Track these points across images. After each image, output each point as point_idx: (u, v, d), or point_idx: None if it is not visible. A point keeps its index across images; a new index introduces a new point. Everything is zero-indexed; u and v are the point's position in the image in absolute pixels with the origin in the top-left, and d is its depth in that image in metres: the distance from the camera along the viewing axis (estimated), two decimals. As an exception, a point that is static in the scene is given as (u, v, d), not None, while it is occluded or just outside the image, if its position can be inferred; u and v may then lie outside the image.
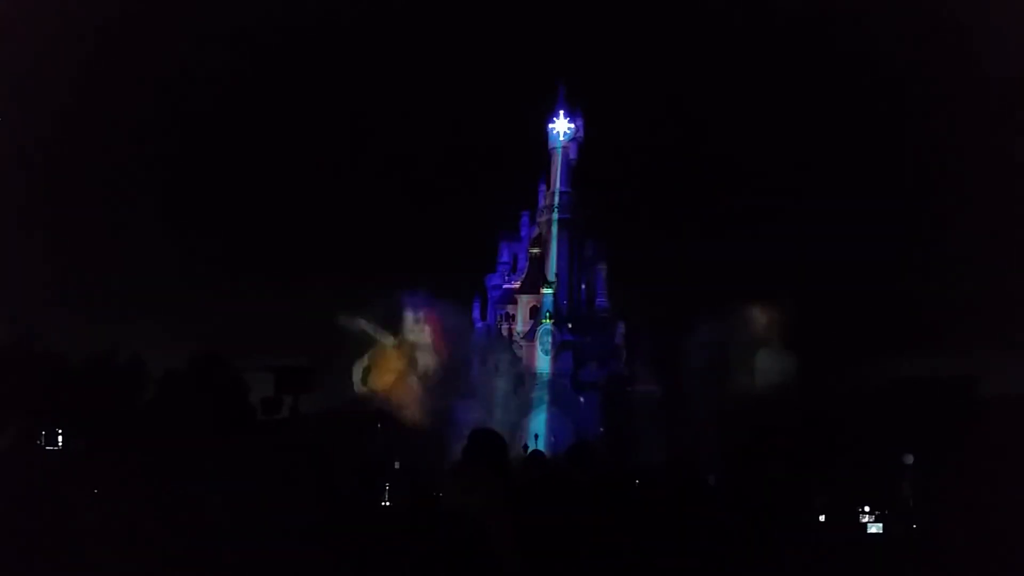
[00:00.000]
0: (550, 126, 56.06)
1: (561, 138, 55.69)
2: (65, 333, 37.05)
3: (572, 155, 55.94)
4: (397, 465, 32.85)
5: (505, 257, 56.30)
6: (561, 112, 55.94)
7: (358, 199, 61.64)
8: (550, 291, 52.21)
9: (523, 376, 51.12)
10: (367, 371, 47.22)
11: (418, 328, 47.50)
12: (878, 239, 53.74)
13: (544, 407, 49.68)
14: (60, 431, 26.51)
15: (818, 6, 57.62)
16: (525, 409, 49.47)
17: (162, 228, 58.02)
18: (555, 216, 54.67)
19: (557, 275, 53.44)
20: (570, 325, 52.99)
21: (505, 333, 53.47)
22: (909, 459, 26.21)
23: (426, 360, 47.88)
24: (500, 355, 51.09)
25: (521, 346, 52.31)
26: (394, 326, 47.91)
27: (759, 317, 44.85)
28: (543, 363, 51.11)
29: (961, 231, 53.34)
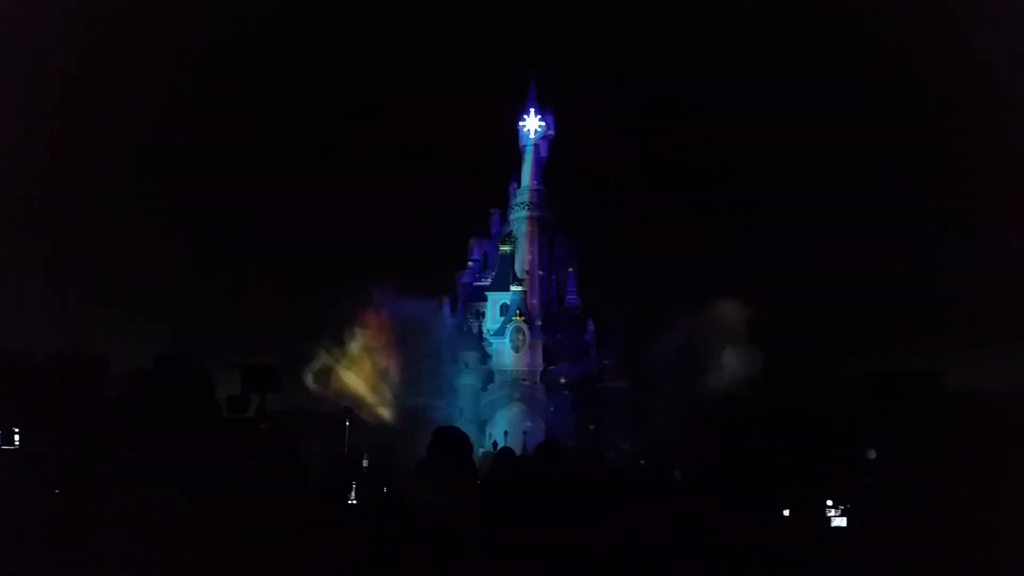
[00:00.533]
0: (520, 123, 56.09)
1: (532, 135, 55.74)
2: (23, 329, 36.41)
3: (543, 152, 56.03)
4: (365, 463, 32.65)
5: (475, 254, 56.24)
6: (532, 109, 55.99)
7: (328, 195, 61.18)
8: (520, 288, 52.27)
9: (493, 373, 51.14)
10: (334, 369, 46.92)
11: (387, 325, 47.27)
12: (843, 236, 54.51)
13: (514, 404, 49.75)
14: (16, 430, 26.00)
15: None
16: (495, 406, 49.51)
17: (125, 223, 57.10)
18: (525, 213, 54.70)
19: (527, 272, 53.51)
20: (540, 323, 53.09)
21: (475, 330, 53.39)
22: (872, 454, 26.61)
23: (395, 357, 47.69)
24: (470, 352, 51.04)
25: (491, 343, 52.28)
26: (364, 323, 47.65)
27: (727, 314, 45.28)
28: (513, 360, 51.16)
29: (926, 228, 54.33)
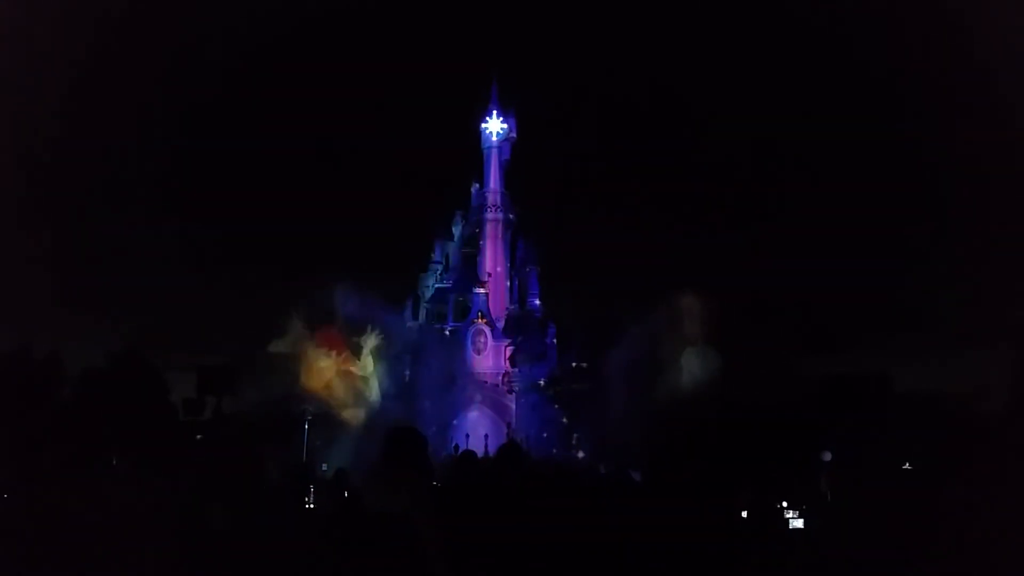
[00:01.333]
0: (483, 125, 56.10)
1: (494, 138, 55.77)
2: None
3: (505, 154, 56.09)
4: (324, 467, 32.39)
5: (438, 256, 56.10)
6: (494, 112, 56.03)
7: (289, 196, 60.56)
8: (482, 291, 52.27)
9: (454, 376, 51.03)
10: (293, 371, 46.46)
11: (348, 327, 46.93)
12: (802, 239, 55.41)
13: (475, 407, 49.72)
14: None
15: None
16: (456, 409, 49.39)
17: (80, 218, 55.96)
18: (488, 216, 54.72)
19: (489, 275, 53.53)
20: (502, 325, 53.13)
21: (437, 332, 53.23)
22: (827, 456, 27.07)
23: (356, 359, 47.37)
24: (431, 354, 50.88)
25: (453, 345, 52.16)
26: (324, 325, 47.23)
27: (687, 315, 45.71)
28: (475, 363, 51.13)
29: (883, 228, 55.43)
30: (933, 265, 51.26)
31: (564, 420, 49.80)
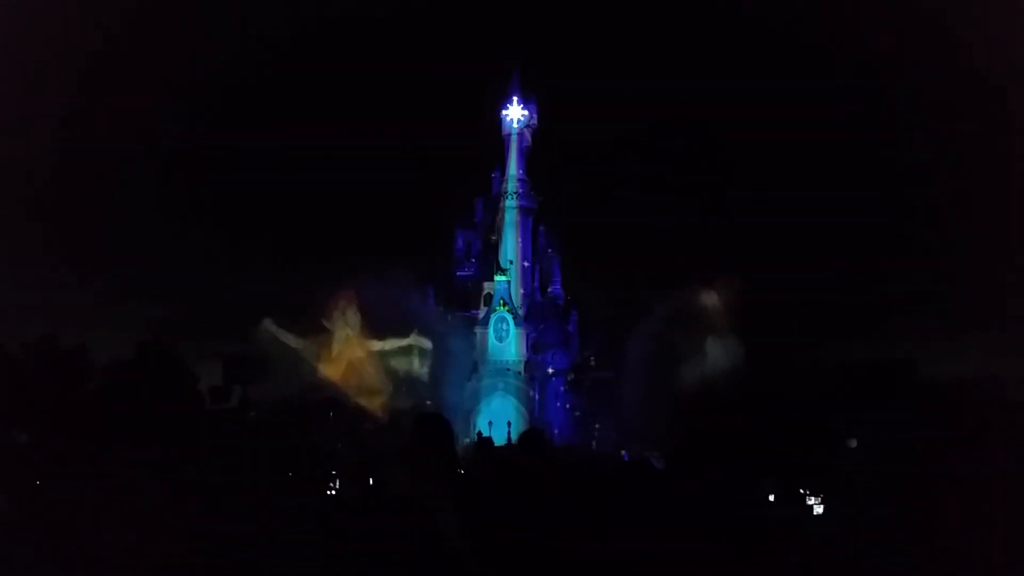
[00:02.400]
0: (504, 112, 55.98)
1: (515, 125, 55.62)
2: (2, 318, 36.01)
3: (526, 142, 55.93)
4: (348, 453, 32.66)
5: (459, 244, 56.18)
6: (515, 98, 55.86)
7: (312, 184, 60.79)
8: (504, 278, 52.30)
9: (476, 363, 51.20)
10: (318, 358, 46.91)
11: (371, 314, 47.22)
12: (825, 226, 54.87)
13: (498, 394, 49.83)
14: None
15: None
16: (479, 396, 49.57)
17: (104, 209, 56.51)
18: (509, 203, 54.68)
19: (511, 262, 53.54)
20: (524, 312, 53.17)
21: (459, 320, 53.39)
22: (852, 443, 26.85)
23: (379, 347, 47.72)
24: (454, 342, 51.05)
25: (475, 333, 52.31)
26: (347, 312, 47.57)
27: (709, 303, 45.56)
28: (497, 350, 51.24)
29: (907, 216, 54.80)
30: (959, 252, 50.63)
31: (586, 407, 49.88)
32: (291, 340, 46.19)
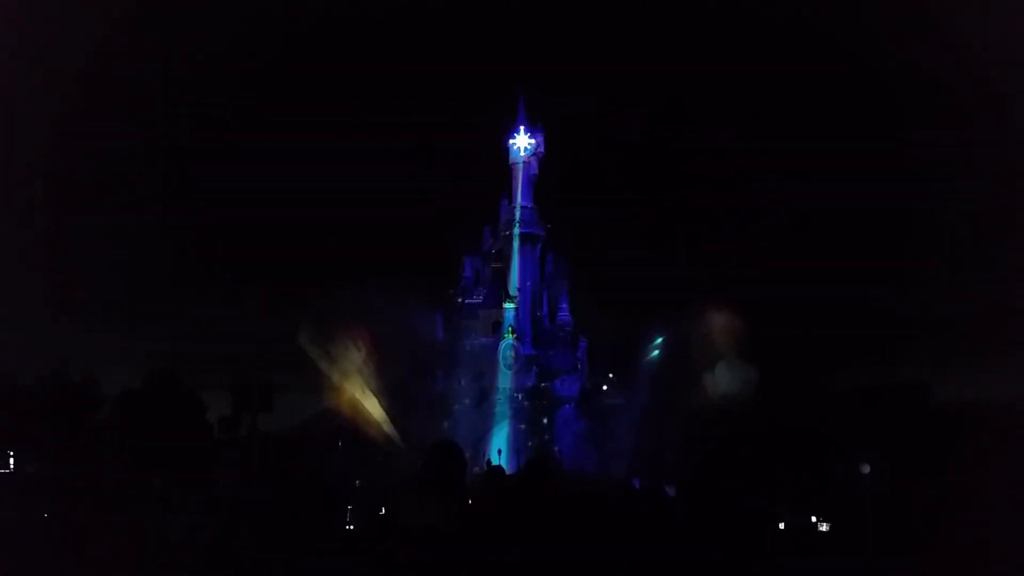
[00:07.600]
0: (510, 141, 56.30)
1: (522, 153, 55.91)
2: (13, 350, 36.17)
3: (533, 170, 56.18)
4: (358, 484, 32.56)
5: (467, 271, 56.27)
6: (522, 128, 56.22)
7: (319, 213, 61.14)
8: (512, 306, 52.32)
9: (486, 390, 51.07)
10: (326, 388, 46.83)
11: (379, 343, 47.20)
12: (834, 251, 54.79)
13: (507, 422, 49.67)
14: (11, 453, 25.83)
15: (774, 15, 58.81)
16: (487, 424, 49.40)
17: (113, 239, 56.91)
18: (516, 231, 54.82)
19: (519, 290, 53.57)
20: (532, 339, 53.11)
21: (467, 348, 53.33)
22: (866, 469, 26.65)
23: (387, 375, 47.62)
24: (462, 370, 50.97)
25: (484, 360, 52.22)
26: (355, 341, 47.56)
27: (718, 329, 45.42)
28: (505, 378, 51.12)
29: (915, 240, 54.65)
30: (969, 274, 50.42)
31: (596, 434, 49.62)
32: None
